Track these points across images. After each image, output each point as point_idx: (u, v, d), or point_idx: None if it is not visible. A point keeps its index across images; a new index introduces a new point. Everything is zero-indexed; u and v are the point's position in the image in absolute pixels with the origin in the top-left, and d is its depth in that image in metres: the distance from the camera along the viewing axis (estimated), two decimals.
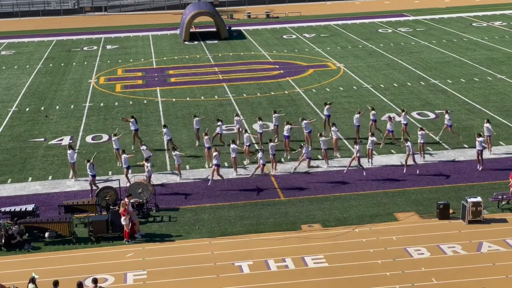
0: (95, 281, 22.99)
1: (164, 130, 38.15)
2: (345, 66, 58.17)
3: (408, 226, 28.86)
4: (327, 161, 35.80)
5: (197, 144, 39.38)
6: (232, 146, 34.69)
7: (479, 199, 28.88)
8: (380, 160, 36.25)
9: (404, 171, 34.37)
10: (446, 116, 38.40)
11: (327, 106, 40.58)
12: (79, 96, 51.83)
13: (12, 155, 39.36)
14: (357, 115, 38.95)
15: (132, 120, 39.20)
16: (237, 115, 40.69)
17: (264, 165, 34.29)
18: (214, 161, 33.42)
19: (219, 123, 38.59)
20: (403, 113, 39.08)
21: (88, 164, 32.75)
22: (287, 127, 37.11)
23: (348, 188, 33.08)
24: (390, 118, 38.43)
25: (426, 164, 35.55)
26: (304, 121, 37.65)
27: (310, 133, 37.67)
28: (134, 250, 27.66)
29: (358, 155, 34.03)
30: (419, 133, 35.79)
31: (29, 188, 34.60)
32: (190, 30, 74.51)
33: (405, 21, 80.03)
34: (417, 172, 34.18)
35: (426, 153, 36.53)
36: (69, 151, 34.99)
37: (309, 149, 35.85)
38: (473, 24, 76.42)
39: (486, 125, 36.63)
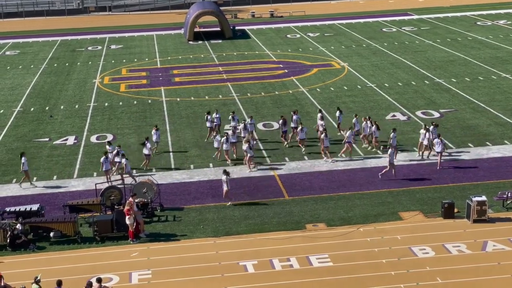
0: (99, 280, 23.05)
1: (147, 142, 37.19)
2: (350, 65, 58.11)
3: (412, 225, 28.83)
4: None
5: (205, 140, 39.53)
6: (247, 146, 35.05)
7: (484, 198, 28.84)
8: (384, 160, 36.17)
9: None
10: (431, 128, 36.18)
11: (338, 113, 40.60)
12: (84, 96, 51.89)
13: (17, 155, 39.28)
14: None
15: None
16: (233, 112, 41.02)
17: (251, 156, 35.42)
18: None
19: (249, 119, 39.63)
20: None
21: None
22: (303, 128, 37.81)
23: (352, 187, 33.05)
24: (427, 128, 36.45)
25: (429, 163, 35.52)
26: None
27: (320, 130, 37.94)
28: (139, 249, 27.68)
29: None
30: (392, 134, 35.73)
31: (34, 188, 34.65)
32: (194, 30, 74.53)
33: (410, 20, 79.90)
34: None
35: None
36: (22, 159, 34.38)
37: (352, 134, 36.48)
38: (478, 23, 76.25)
39: (422, 131, 36.08)
